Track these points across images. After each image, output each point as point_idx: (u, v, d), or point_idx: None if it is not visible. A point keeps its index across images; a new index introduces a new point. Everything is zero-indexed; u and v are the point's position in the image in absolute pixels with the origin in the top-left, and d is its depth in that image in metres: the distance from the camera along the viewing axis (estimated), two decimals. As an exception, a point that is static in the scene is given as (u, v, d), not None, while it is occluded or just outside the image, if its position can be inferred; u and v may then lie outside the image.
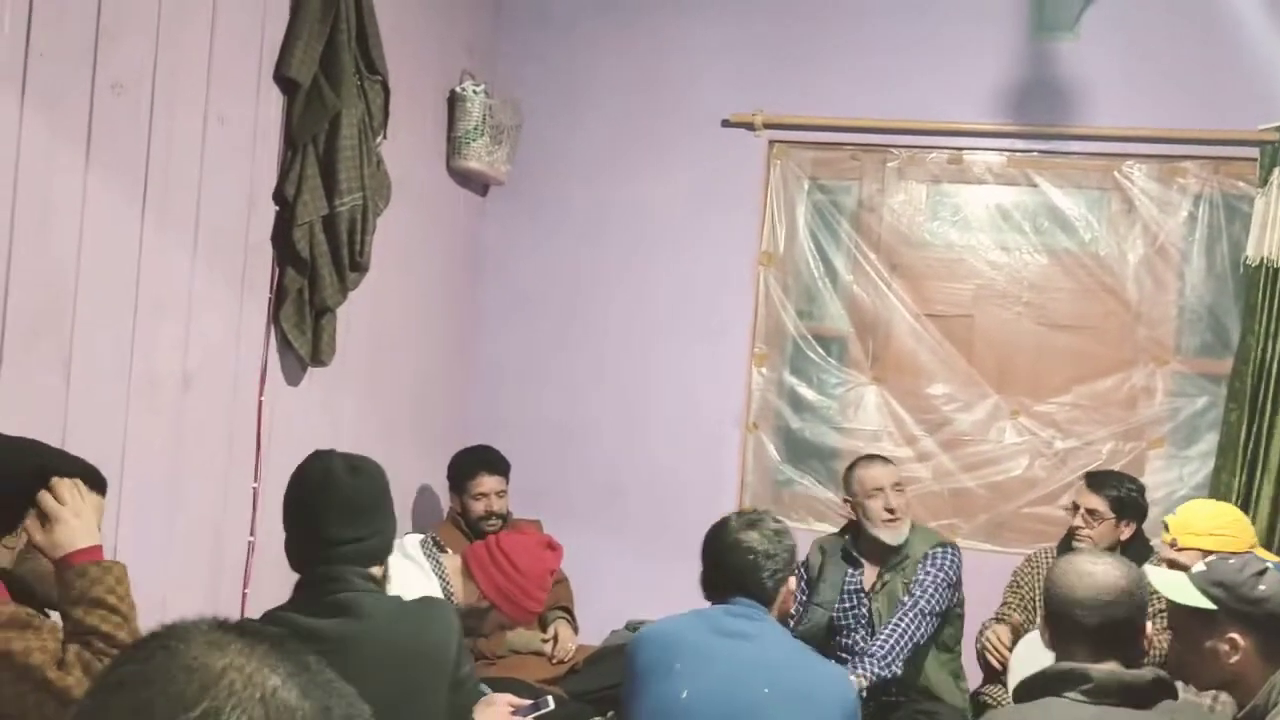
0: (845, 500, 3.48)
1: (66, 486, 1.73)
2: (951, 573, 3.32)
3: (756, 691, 2.13)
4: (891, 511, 3.33)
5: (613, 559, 4.15)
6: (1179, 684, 2.02)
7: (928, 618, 3.24)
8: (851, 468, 3.48)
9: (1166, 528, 3.06)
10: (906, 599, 3.27)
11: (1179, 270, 3.99)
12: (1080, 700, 1.81)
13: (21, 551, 1.77)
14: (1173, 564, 2.82)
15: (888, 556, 3.36)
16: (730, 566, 2.31)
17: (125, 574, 1.72)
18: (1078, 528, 3.34)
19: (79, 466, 1.83)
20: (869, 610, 3.35)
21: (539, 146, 4.37)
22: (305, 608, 1.91)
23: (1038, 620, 2.05)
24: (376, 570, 2.00)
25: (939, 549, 3.35)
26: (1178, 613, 2.09)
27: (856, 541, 3.44)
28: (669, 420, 4.30)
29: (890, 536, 3.33)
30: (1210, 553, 2.79)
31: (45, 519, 1.70)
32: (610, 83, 4.39)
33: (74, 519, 1.70)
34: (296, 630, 1.82)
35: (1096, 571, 1.91)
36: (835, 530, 3.64)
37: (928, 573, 3.29)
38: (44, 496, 1.71)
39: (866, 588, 3.37)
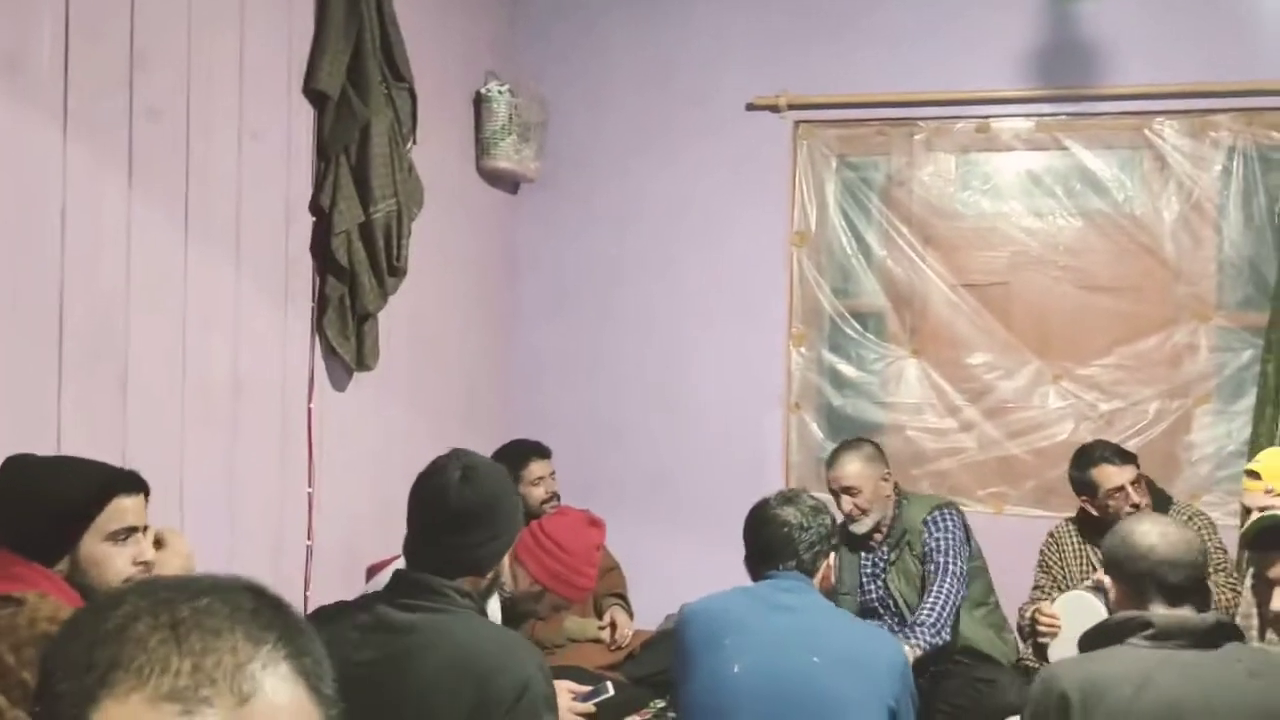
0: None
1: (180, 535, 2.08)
2: (959, 531, 3.39)
3: (805, 661, 2.16)
4: (858, 509, 3.41)
5: (663, 545, 4.19)
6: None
7: (959, 579, 3.31)
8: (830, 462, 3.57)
9: (1257, 476, 3.01)
10: (931, 567, 3.33)
11: (1216, 225, 3.95)
12: (1144, 645, 1.84)
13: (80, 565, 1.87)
14: (1265, 510, 2.83)
15: (887, 536, 3.44)
16: (767, 540, 2.35)
17: None
18: (1135, 507, 3.28)
19: (124, 475, 1.95)
20: (888, 591, 3.43)
21: (566, 142, 4.41)
22: (387, 600, 1.94)
23: (1099, 578, 2.08)
24: (469, 581, 1.94)
25: (937, 512, 3.42)
26: None
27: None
28: (711, 405, 4.33)
29: (856, 528, 3.43)
30: None
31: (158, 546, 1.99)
32: (632, 73, 4.41)
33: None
34: (379, 618, 1.89)
35: (1172, 532, 1.98)
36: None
37: (936, 538, 3.36)
38: (175, 536, 2.04)
39: (880, 570, 3.45)
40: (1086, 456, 3.40)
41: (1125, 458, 3.36)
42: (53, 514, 1.83)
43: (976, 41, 4.07)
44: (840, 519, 3.44)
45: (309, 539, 3.10)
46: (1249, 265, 3.92)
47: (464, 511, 1.95)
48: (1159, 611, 1.90)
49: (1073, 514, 3.56)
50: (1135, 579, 1.98)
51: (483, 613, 1.98)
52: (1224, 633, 1.88)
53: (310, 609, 3.05)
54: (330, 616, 1.95)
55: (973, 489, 4.14)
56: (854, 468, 3.46)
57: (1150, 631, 1.87)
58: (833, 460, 3.55)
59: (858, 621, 2.49)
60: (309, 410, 3.10)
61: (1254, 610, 2.65)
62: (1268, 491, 2.92)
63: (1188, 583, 1.93)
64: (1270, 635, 2.54)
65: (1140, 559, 1.96)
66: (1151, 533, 1.99)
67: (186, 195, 2.61)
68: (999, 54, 4.05)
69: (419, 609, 1.89)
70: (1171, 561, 1.94)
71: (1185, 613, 1.90)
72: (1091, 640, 1.96)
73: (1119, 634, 1.90)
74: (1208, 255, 3.96)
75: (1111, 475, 3.31)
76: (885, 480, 3.50)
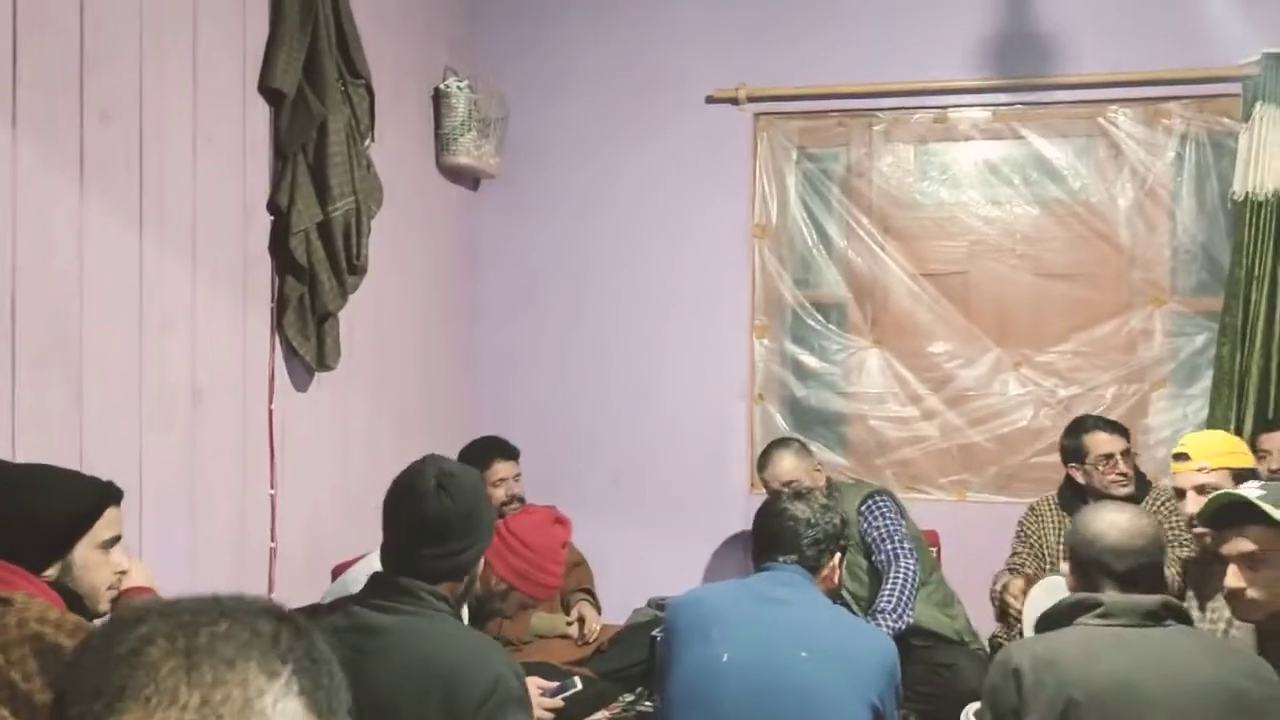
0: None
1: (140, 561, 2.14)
2: (893, 514, 3.45)
3: (793, 656, 2.17)
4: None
5: (630, 539, 4.20)
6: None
7: (909, 559, 3.36)
8: (762, 464, 3.65)
9: (1186, 457, 3.06)
10: (881, 557, 3.38)
11: (1170, 211, 4.01)
12: (1094, 624, 1.89)
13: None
14: (1200, 489, 2.87)
15: None
16: (773, 532, 2.37)
17: None
18: (1122, 476, 3.35)
19: (112, 487, 1.97)
20: None
21: (527, 137, 4.40)
22: (363, 602, 1.93)
23: (1062, 568, 2.14)
24: (446, 587, 1.94)
25: (870, 501, 3.48)
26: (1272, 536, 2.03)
27: None
28: (674, 398, 4.34)
29: None
30: (1237, 470, 2.86)
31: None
32: (592, 68, 4.41)
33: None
34: (355, 620, 1.88)
35: (1122, 520, 2.01)
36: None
37: (877, 527, 3.43)
38: (135, 560, 2.07)
39: None
40: (1080, 425, 3.51)
41: (1117, 429, 3.47)
42: (49, 525, 1.87)
43: (934, 33, 4.10)
44: None
45: (272, 541, 3.08)
46: (1202, 250, 3.98)
47: (441, 521, 1.93)
48: (1109, 594, 1.94)
49: (1043, 495, 3.62)
50: (1084, 565, 2.03)
51: (458, 618, 1.98)
52: (1170, 613, 1.93)
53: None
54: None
55: (935, 477, 4.18)
56: (789, 463, 3.54)
57: (1099, 610, 1.91)
58: (765, 461, 3.63)
59: (850, 617, 2.49)
60: (270, 411, 3.08)
61: (1190, 590, 2.72)
62: (1200, 469, 2.98)
63: (1136, 569, 1.97)
64: (1209, 614, 2.59)
65: (1087, 545, 2.02)
66: (1102, 520, 2.04)
67: (141, 197, 2.58)
68: (956, 45, 4.08)
69: (394, 611, 1.89)
70: (1116, 549, 1.98)
71: (1133, 595, 1.95)
72: (1046, 623, 2.01)
73: (1071, 615, 1.95)
74: (1162, 241, 4.02)
75: (1103, 442, 3.41)
76: (818, 471, 3.60)
